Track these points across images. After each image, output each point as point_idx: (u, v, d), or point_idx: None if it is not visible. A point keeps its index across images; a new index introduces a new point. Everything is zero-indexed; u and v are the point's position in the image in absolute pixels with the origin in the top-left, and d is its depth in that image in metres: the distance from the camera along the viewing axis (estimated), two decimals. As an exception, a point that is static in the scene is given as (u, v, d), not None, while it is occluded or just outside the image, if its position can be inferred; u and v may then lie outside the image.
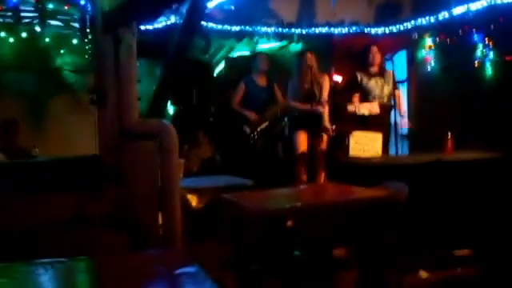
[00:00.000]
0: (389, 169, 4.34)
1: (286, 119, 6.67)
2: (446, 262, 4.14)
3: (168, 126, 3.09)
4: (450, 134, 5.37)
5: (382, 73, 6.23)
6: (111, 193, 2.92)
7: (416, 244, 4.18)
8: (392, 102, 6.15)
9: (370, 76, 6.20)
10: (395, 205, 3.48)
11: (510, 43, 5.58)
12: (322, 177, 5.88)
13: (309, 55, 6.01)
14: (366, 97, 6.13)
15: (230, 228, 3.63)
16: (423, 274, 3.82)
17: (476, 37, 6.34)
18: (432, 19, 6.50)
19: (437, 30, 6.70)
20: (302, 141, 5.94)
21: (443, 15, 6.33)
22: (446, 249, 4.31)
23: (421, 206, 4.11)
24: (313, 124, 5.88)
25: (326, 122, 5.96)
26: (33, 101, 6.47)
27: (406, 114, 6.32)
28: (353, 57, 6.83)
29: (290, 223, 3.27)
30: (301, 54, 6.17)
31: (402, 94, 6.31)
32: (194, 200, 4.07)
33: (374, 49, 6.22)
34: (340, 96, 6.34)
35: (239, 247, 3.48)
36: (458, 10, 6.11)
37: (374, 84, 6.16)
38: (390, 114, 6.22)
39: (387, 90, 6.18)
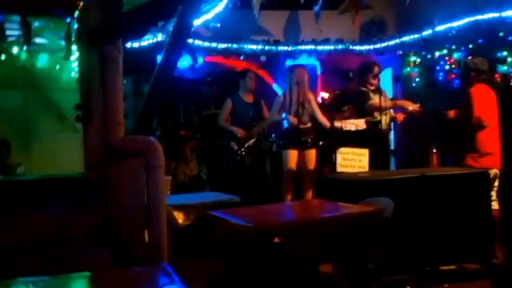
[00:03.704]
0: (375, 184, 4.35)
1: (273, 136, 6.69)
2: (432, 277, 4.15)
3: (154, 143, 3.08)
4: (434, 149, 5.42)
5: (379, 90, 6.18)
6: (96, 210, 2.90)
7: (403, 259, 4.19)
8: (379, 118, 6.17)
9: (373, 92, 6.15)
10: (382, 220, 3.49)
11: (492, 59, 5.66)
12: (310, 194, 5.87)
13: (299, 70, 6.02)
14: (372, 112, 6.05)
15: (217, 245, 3.60)
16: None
17: (459, 53, 6.44)
18: (416, 36, 6.59)
19: (421, 47, 6.79)
20: (292, 158, 5.91)
21: (427, 33, 6.42)
22: (433, 264, 4.32)
23: (407, 220, 4.12)
24: (302, 140, 5.87)
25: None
26: (19, 119, 6.44)
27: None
28: (340, 73, 6.88)
29: (277, 239, 3.27)
30: (291, 69, 6.17)
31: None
32: (180, 217, 4.03)
33: (377, 69, 6.20)
34: (326, 112, 6.37)
35: (227, 264, 3.46)
36: (442, 28, 6.21)
37: (378, 99, 6.09)
38: (375, 130, 6.24)
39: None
